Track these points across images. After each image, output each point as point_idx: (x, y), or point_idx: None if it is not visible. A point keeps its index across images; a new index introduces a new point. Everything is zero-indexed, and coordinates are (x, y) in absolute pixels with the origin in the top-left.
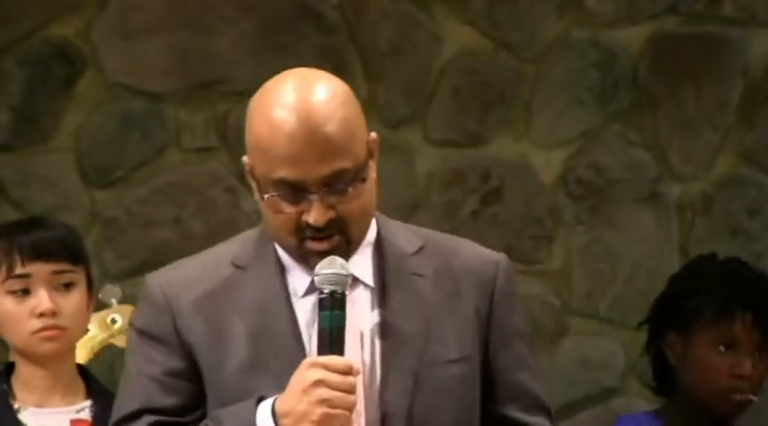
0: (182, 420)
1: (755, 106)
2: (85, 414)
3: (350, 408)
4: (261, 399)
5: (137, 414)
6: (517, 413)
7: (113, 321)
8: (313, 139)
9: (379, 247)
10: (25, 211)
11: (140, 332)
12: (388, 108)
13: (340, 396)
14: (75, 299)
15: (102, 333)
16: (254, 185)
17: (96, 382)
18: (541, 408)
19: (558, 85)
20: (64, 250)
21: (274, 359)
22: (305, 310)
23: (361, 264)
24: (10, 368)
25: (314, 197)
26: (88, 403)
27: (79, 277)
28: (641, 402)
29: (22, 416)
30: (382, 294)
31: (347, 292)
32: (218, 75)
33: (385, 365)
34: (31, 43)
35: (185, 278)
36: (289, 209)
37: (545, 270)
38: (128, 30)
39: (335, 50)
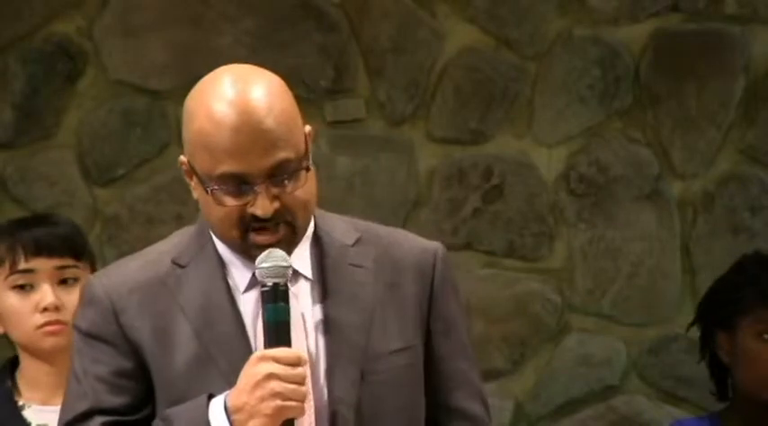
0: (132, 418)
1: (757, 103)
2: None
3: (302, 399)
4: (211, 396)
5: (87, 415)
6: (459, 403)
7: None
8: (254, 133)
9: (317, 239)
10: (27, 208)
11: (85, 333)
12: (390, 105)
13: (292, 388)
14: (78, 295)
15: None
16: (192, 183)
17: None
18: (481, 399)
19: (559, 83)
20: (67, 245)
21: (221, 355)
22: (248, 305)
23: (300, 257)
24: (15, 364)
25: (259, 188)
26: None
27: (83, 272)
28: (643, 399)
29: (26, 413)
30: (323, 286)
31: (289, 284)
32: None
33: (330, 357)
34: (32, 41)
35: (127, 278)
36: (232, 203)
37: (546, 267)
38: (129, 27)
39: (337, 48)
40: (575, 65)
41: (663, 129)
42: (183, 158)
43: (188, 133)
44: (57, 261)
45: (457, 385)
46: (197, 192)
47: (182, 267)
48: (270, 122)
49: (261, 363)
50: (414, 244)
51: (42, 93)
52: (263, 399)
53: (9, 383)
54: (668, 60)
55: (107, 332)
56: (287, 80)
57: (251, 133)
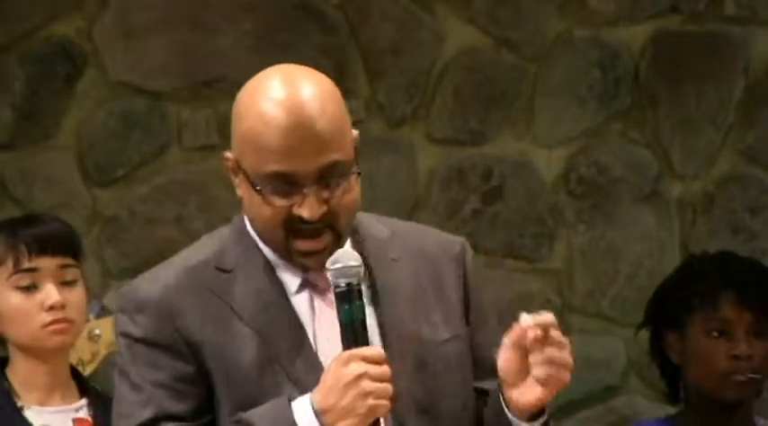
0: (197, 424)
1: (756, 104)
2: (84, 413)
3: (389, 397)
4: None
5: (154, 421)
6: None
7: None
8: (306, 133)
9: (356, 236)
10: (27, 210)
11: (140, 340)
12: (390, 106)
13: (383, 387)
14: (78, 294)
15: (108, 339)
16: (237, 180)
17: (87, 381)
18: None
19: (559, 84)
20: (67, 245)
21: (284, 355)
22: (300, 306)
23: None
24: (1, 364)
25: (307, 190)
26: (84, 401)
27: (79, 272)
28: (642, 400)
29: (27, 414)
30: (369, 281)
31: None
32: (219, 74)
33: (387, 350)
34: (32, 42)
35: (173, 283)
36: (280, 203)
37: (546, 268)
38: (129, 28)
39: (337, 49)
40: (574, 66)
41: (662, 130)
42: (228, 154)
43: (237, 132)
44: (59, 260)
45: (488, 374)
46: (242, 190)
47: (228, 272)
48: (322, 123)
49: (351, 363)
50: (439, 236)
51: (42, 94)
52: (355, 399)
53: (6, 384)
54: (668, 61)
55: (164, 337)
56: None
57: (302, 133)
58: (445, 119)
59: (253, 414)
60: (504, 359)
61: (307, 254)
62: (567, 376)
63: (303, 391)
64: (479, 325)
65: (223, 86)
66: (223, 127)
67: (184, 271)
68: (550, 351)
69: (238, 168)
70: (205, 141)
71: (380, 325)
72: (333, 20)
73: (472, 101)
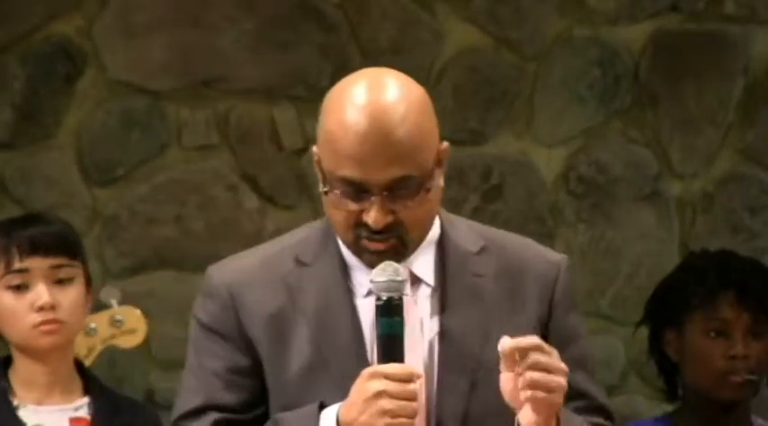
0: (244, 417)
1: (756, 104)
2: (84, 412)
3: (412, 415)
4: (322, 405)
5: (200, 410)
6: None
7: (118, 321)
8: (381, 143)
9: (442, 245)
10: (27, 209)
11: (205, 326)
12: None
13: (402, 405)
14: (73, 294)
15: (104, 333)
16: (320, 176)
17: (93, 378)
18: (599, 410)
19: (559, 83)
20: (61, 244)
21: (336, 361)
22: (367, 310)
23: (424, 262)
24: (6, 363)
25: (375, 199)
26: (86, 400)
27: (77, 271)
28: (642, 400)
29: (22, 414)
30: (443, 293)
31: (408, 292)
32: (219, 73)
33: (442, 366)
34: (32, 41)
35: (248, 273)
36: (348, 207)
37: None
38: (129, 27)
39: (337, 48)
40: (574, 65)
41: (662, 130)
42: (315, 150)
43: (320, 132)
44: (51, 260)
45: (570, 397)
46: (322, 187)
47: (305, 265)
48: (399, 134)
49: (372, 380)
50: (538, 255)
51: (42, 93)
52: (373, 416)
53: (4, 383)
54: (667, 60)
55: (226, 327)
56: (287, 80)
57: (376, 142)
58: (445, 118)
59: (284, 417)
60: (503, 380)
61: (373, 253)
62: (554, 398)
63: None
64: (559, 347)
65: (223, 86)
66: (223, 126)
67: (261, 262)
68: (533, 375)
69: (320, 165)
70: (204, 141)
71: (441, 337)
72: (333, 19)
73: (472, 100)
